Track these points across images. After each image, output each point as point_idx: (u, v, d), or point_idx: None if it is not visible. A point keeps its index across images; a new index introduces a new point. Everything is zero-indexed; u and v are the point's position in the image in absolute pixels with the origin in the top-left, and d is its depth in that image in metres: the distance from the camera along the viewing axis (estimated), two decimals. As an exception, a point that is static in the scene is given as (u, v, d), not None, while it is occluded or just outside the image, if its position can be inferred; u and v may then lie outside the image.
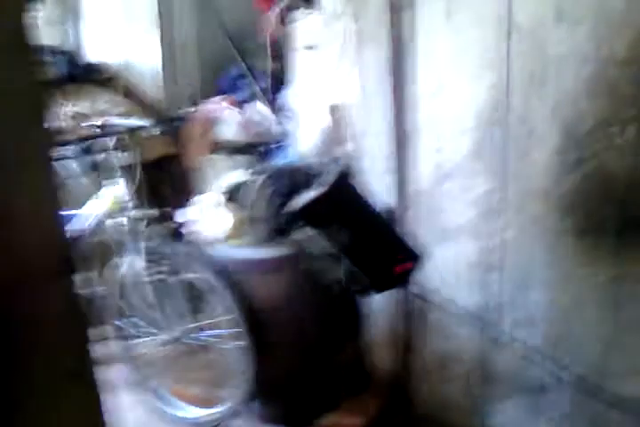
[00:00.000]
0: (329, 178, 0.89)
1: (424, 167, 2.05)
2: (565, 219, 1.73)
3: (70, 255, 0.96)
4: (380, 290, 1.10)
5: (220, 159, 2.90)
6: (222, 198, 2.24)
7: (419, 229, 2.10)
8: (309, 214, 0.93)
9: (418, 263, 0.93)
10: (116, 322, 2.62)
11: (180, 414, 2.50)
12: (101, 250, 2.89)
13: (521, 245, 1.86)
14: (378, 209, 0.95)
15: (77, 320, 1.03)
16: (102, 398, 1.12)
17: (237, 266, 2.26)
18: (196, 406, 2.48)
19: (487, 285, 1.97)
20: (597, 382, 1.76)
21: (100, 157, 2.32)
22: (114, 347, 2.68)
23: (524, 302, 1.89)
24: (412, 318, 2.21)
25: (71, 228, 2.63)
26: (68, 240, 0.92)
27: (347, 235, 1.17)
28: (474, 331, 2.04)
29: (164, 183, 3.10)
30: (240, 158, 2.81)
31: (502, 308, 1.95)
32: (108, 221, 2.45)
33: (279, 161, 2.57)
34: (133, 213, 2.33)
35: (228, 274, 2.23)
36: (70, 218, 2.70)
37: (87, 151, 2.24)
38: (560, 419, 1.89)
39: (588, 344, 1.77)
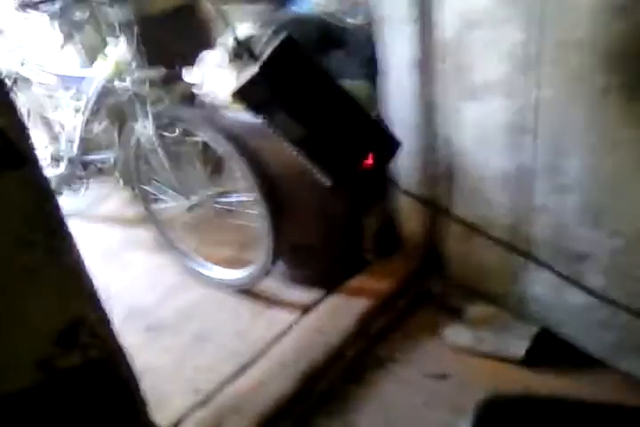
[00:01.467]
0: (267, 51, 0.68)
1: (449, 14, 1.76)
2: (610, 74, 1.47)
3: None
4: (343, 185, 0.94)
5: (234, 9, 2.62)
6: (227, 56, 2.02)
7: (446, 86, 1.86)
8: (246, 100, 0.73)
9: (394, 153, 0.74)
10: (140, 186, 2.58)
11: (210, 275, 2.52)
12: (116, 114, 2.78)
13: (558, 104, 1.63)
14: (344, 90, 0.74)
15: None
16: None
17: (250, 130, 2.10)
18: (225, 267, 2.50)
19: (521, 148, 1.77)
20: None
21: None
22: (141, 210, 2.67)
23: (560, 168, 1.70)
24: (444, 180, 2.05)
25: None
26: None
27: (296, 123, 0.98)
28: (508, 196, 1.88)
29: (177, 39, 2.85)
30: (254, 8, 2.53)
31: (537, 173, 1.76)
32: (116, 84, 2.30)
33: (293, 11, 2.28)
34: (137, 74, 2.15)
35: (242, 139, 2.09)
36: (80, 80, 2.56)
37: (65, 10, 2.01)
38: (600, 289, 1.79)
39: (633, 212, 1.61)
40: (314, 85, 0.74)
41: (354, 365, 1.99)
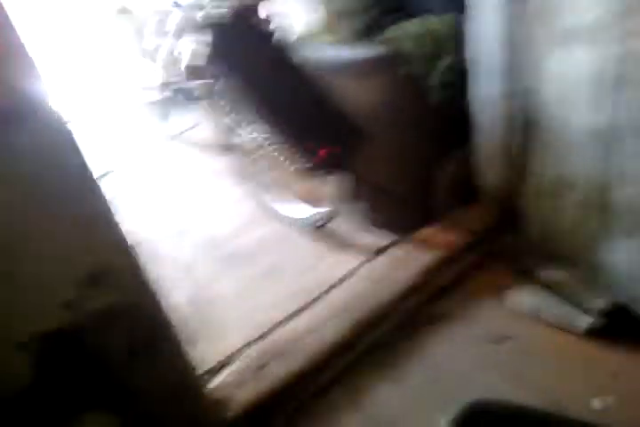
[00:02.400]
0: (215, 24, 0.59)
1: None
2: None
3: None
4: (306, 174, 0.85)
5: None
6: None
7: (533, 29, 1.66)
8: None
9: (353, 144, 0.65)
10: (229, 116, 2.58)
11: (286, 211, 2.53)
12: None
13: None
14: (306, 77, 0.63)
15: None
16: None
17: (327, 67, 2.00)
18: (301, 204, 2.49)
19: (608, 104, 1.57)
20: None
21: None
22: (228, 139, 2.69)
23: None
24: (524, 134, 1.88)
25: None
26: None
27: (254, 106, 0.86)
28: (592, 157, 1.70)
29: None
30: None
31: (624, 133, 1.57)
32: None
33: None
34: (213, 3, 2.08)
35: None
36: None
37: None
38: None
39: None
40: (270, 63, 0.66)
41: (408, 319, 1.95)
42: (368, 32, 1.94)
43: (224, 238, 2.56)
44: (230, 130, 2.61)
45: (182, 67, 2.59)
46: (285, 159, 1.01)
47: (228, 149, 2.66)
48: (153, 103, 3.02)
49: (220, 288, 2.29)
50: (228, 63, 0.61)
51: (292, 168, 1.04)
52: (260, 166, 2.59)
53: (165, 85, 2.94)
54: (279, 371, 1.82)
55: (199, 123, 3.35)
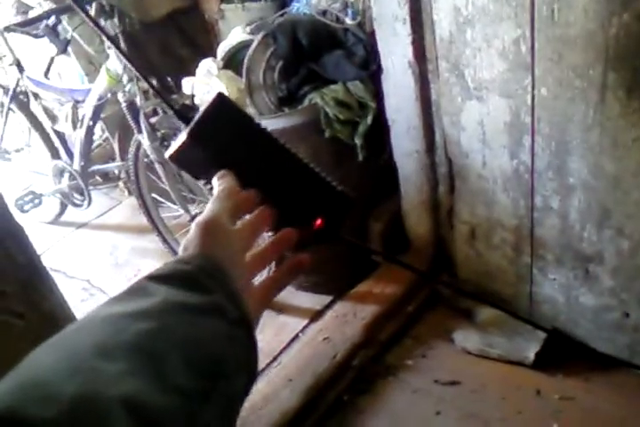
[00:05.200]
0: (198, 113, 0.63)
1: (443, 12, 1.70)
2: (610, 71, 1.41)
3: None
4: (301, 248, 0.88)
5: (233, 10, 2.57)
6: (215, 66, 1.97)
7: (444, 85, 1.81)
8: (182, 166, 0.68)
9: (347, 211, 0.69)
10: (143, 196, 2.56)
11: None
12: (117, 125, 2.76)
13: (557, 103, 1.56)
14: (286, 147, 0.68)
15: None
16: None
17: None
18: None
19: (521, 148, 1.71)
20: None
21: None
22: (148, 219, 2.66)
23: (563, 168, 1.64)
24: (449, 183, 2.00)
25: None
26: None
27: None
28: (511, 197, 1.83)
29: (179, 43, 2.81)
30: (255, 6, 2.47)
31: (539, 173, 1.71)
32: (113, 96, 2.28)
33: (288, 11, 2.22)
34: (128, 86, 2.12)
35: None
36: (78, 93, 2.55)
37: (51, 29, 1.98)
38: (609, 291, 1.74)
39: (638, 213, 1.56)
40: (253, 145, 0.68)
41: (363, 374, 1.96)
42: (289, 101, 2.03)
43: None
44: (154, 208, 2.60)
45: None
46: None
47: (151, 227, 2.63)
48: (61, 190, 2.95)
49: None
50: (214, 145, 0.63)
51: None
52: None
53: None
54: (245, 445, 1.76)
55: (115, 204, 3.31)
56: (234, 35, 2.07)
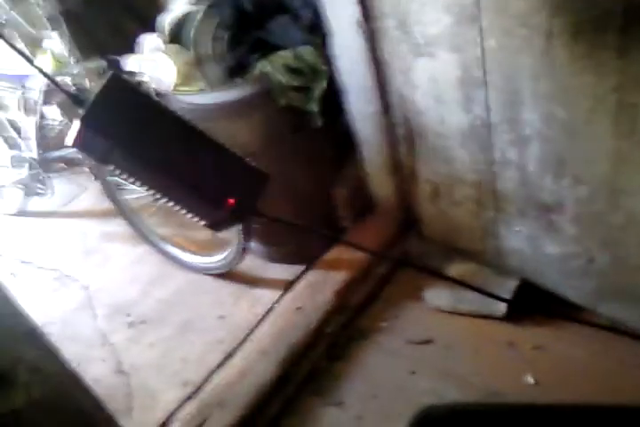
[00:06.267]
0: (90, 97, 0.60)
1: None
2: (555, 18, 1.39)
3: None
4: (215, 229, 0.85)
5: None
6: (161, 40, 1.92)
7: (392, 44, 1.78)
8: (85, 152, 0.65)
9: (262, 186, 0.67)
10: (105, 178, 2.52)
11: (188, 261, 2.49)
12: (70, 108, 2.70)
13: (506, 54, 1.55)
14: (190, 124, 0.65)
15: None
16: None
17: (198, 115, 2.01)
18: (202, 253, 2.46)
19: (475, 102, 1.70)
20: (609, 200, 1.58)
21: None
22: (112, 202, 2.62)
23: (517, 119, 1.63)
24: (408, 142, 1.98)
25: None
26: None
27: (148, 170, 0.85)
28: (471, 153, 1.82)
29: (126, 19, 2.72)
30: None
31: (494, 126, 1.70)
32: (60, 78, 2.22)
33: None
34: (75, 68, 2.07)
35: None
36: (25, 78, 2.48)
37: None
38: (573, 239, 1.75)
39: (594, 161, 1.55)
40: (153, 126, 0.65)
41: (337, 340, 1.97)
42: (238, 71, 1.98)
43: (131, 302, 2.47)
44: (117, 191, 2.56)
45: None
46: (187, 213, 0.98)
47: (117, 211, 2.60)
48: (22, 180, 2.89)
49: (136, 356, 2.20)
50: (113, 128, 0.59)
51: (198, 222, 1.01)
52: (153, 221, 2.55)
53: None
54: (223, 421, 1.77)
55: (80, 190, 3.25)
56: (178, 6, 2.02)
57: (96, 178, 2.66)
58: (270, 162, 2.08)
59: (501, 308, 1.88)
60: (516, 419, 0.94)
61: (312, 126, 2.06)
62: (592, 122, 1.49)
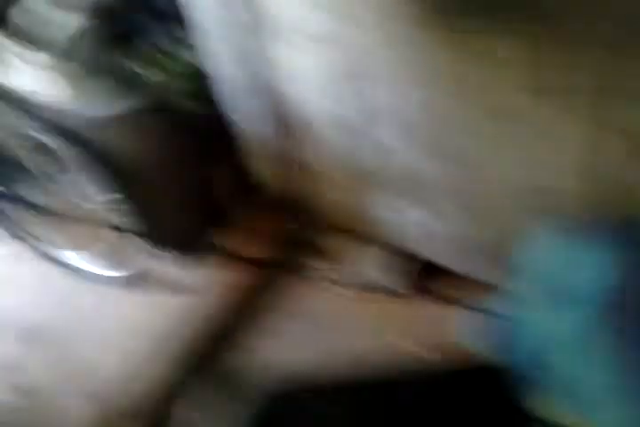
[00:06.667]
0: None
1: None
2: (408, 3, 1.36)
3: None
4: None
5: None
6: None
7: (259, 36, 1.73)
8: None
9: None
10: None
11: (87, 270, 2.40)
12: None
13: (370, 43, 1.52)
14: None
15: None
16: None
17: (85, 128, 1.92)
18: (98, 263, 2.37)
19: (354, 93, 1.69)
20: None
21: None
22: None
23: (396, 108, 1.64)
24: (285, 133, 1.97)
25: None
26: None
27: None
28: (349, 140, 1.83)
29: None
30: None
31: (372, 113, 1.71)
32: None
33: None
34: None
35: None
36: None
37: None
38: (454, 218, 1.82)
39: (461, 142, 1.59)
40: None
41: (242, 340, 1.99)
42: (121, 83, 1.91)
43: (18, 313, 2.34)
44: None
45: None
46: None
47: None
48: None
49: (39, 379, 2.12)
50: None
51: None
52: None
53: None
54: None
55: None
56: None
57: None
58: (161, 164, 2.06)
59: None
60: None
61: (191, 123, 2.03)
62: (460, 105, 1.51)
